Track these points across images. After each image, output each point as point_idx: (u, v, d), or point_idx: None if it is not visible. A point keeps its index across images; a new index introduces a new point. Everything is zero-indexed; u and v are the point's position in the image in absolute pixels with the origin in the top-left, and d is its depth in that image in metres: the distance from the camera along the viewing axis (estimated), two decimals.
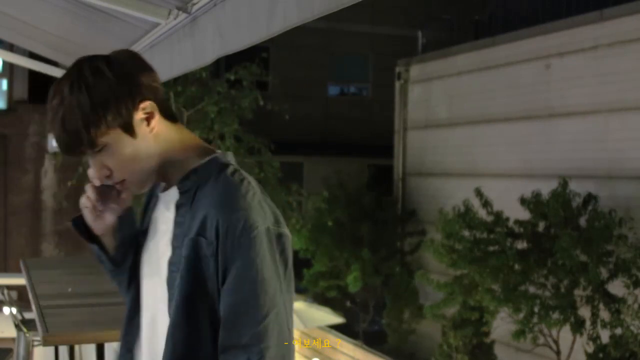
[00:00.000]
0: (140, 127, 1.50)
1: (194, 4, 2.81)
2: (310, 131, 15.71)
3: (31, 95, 13.23)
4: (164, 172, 1.57)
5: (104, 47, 4.38)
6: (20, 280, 5.56)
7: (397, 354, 10.62)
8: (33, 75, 11.93)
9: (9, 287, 5.12)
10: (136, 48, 3.84)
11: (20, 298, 7.40)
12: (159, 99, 1.53)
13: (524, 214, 7.85)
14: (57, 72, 5.87)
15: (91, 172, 1.54)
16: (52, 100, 1.48)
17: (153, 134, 1.52)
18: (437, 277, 8.68)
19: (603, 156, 8.59)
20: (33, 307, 3.68)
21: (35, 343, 4.44)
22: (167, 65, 3.41)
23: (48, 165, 13.07)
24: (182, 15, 2.92)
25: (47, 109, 1.50)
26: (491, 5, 12.44)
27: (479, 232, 7.90)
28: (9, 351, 4.73)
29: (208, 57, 2.78)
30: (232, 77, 11.03)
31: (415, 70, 12.44)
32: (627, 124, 8.36)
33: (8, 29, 5.28)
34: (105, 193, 1.56)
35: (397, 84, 12.66)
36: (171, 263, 1.52)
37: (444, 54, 11.74)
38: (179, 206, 1.54)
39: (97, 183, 1.54)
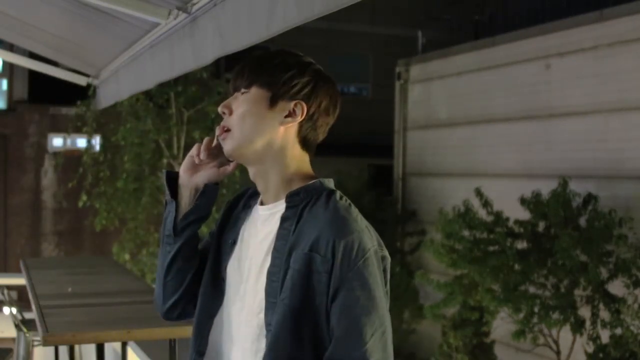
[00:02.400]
0: (279, 112, 1.62)
1: (194, 4, 2.81)
2: None
3: (31, 95, 13.23)
4: (267, 176, 1.64)
5: (104, 47, 4.38)
6: (20, 280, 5.57)
7: (397, 354, 10.59)
8: (33, 75, 11.93)
9: (9, 287, 5.13)
10: (136, 48, 3.84)
11: (20, 298, 7.41)
12: (313, 122, 1.65)
13: (524, 214, 7.85)
14: (57, 72, 5.87)
15: (218, 130, 1.65)
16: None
17: (282, 127, 1.61)
18: (437, 277, 8.67)
19: (603, 156, 8.59)
20: (33, 307, 3.69)
21: (35, 343, 4.44)
22: (167, 65, 3.41)
23: (48, 165, 13.06)
24: (182, 15, 2.93)
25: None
26: (491, 5, 12.43)
27: (479, 232, 7.89)
28: (9, 351, 4.73)
29: (208, 57, 2.79)
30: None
31: (415, 70, 12.43)
32: (627, 124, 8.36)
33: (8, 29, 5.28)
34: (213, 154, 1.68)
35: (397, 84, 12.63)
36: (271, 273, 1.57)
37: (444, 54, 11.73)
38: (284, 219, 1.59)
39: (217, 132, 1.64)
